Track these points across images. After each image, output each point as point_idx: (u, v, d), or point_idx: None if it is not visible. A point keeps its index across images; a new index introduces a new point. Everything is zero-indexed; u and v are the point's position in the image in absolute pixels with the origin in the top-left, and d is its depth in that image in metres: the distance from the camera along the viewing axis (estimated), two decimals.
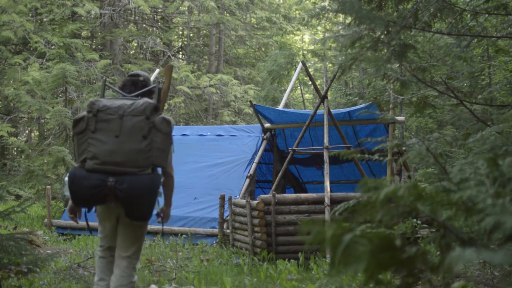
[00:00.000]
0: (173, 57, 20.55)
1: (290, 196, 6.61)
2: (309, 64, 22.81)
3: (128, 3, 17.99)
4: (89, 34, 20.30)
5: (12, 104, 16.81)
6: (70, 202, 3.09)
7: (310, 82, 15.17)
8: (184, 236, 8.02)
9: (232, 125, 13.94)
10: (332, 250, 1.27)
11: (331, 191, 6.61)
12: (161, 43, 21.01)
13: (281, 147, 10.78)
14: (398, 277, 1.60)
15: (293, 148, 8.14)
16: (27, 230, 8.27)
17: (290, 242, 6.30)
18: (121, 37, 18.51)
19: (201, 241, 7.84)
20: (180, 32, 24.20)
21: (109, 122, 2.99)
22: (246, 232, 6.64)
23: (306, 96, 24.65)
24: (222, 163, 9.56)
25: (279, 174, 8.39)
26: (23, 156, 15.08)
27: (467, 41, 5.63)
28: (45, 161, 12.31)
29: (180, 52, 23.73)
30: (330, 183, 7.06)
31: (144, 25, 22.32)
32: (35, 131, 21.51)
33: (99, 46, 20.10)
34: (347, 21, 13.63)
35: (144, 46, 18.61)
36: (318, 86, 9.29)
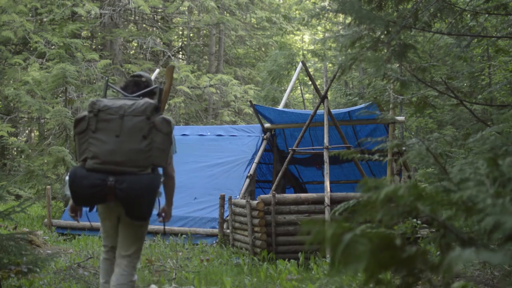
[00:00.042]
0: (173, 57, 20.56)
1: (290, 196, 6.61)
2: (309, 64, 22.81)
3: (128, 3, 17.99)
4: (89, 34, 20.30)
5: (12, 104, 16.81)
6: (71, 201, 3.11)
7: (310, 82, 15.18)
8: (184, 236, 8.02)
9: (232, 125, 13.94)
10: (332, 249, 1.28)
11: (331, 191, 6.61)
12: (161, 43, 21.01)
13: (281, 147, 10.78)
14: (398, 277, 1.60)
15: (293, 148, 8.14)
16: (27, 230, 8.27)
17: (290, 242, 6.30)
18: (121, 37, 18.51)
19: (201, 241, 7.84)
20: (180, 32, 24.20)
21: (109, 122, 3.00)
22: (246, 232, 6.64)
23: (306, 96, 24.65)
24: (222, 163, 9.56)
25: (279, 174, 8.39)
26: (23, 156, 15.08)
27: (467, 41, 5.63)
28: (45, 161, 12.31)
29: (180, 52, 23.73)
30: (330, 183, 7.06)
31: (144, 25, 22.32)
32: (35, 131, 21.51)
33: (99, 46, 20.10)
34: (347, 21, 13.63)
35: (144, 46, 18.61)
36: (318, 86, 9.29)
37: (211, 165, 9.57)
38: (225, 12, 21.72)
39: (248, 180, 8.99)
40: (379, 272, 1.29)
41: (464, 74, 11.56)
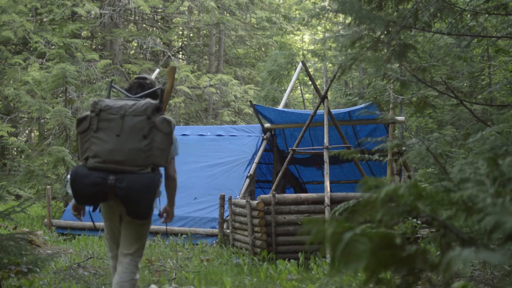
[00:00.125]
0: (173, 57, 20.55)
1: (290, 196, 6.61)
2: (309, 64, 22.81)
3: (128, 3, 17.99)
4: (89, 34, 20.30)
5: (12, 104, 16.81)
6: (73, 200, 3.15)
7: (310, 82, 15.18)
8: (184, 236, 8.02)
9: (232, 125, 13.94)
10: (332, 248, 1.28)
11: (331, 191, 6.61)
12: (161, 43, 21.01)
13: (281, 147, 10.78)
14: (398, 276, 1.60)
15: (293, 148, 8.14)
16: (27, 230, 8.27)
17: (290, 242, 6.30)
18: (121, 37, 18.51)
19: (201, 241, 7.84)
20: (180, 32, 24.20)
21: (110, 121, 3.05)
22: (246, 232, 6.64)
23: (306, 96, 24.65)
24: (222, 163, 9.56)
25: (279, 174, 8.39)
26: (23, 156, 15.07)
27: (467, 41, 5.63)
28: (45, 161, 12.31)
29: (180, 52, 23.73)
30: (330, 183, 7.06)
31: (144, 25, 22.33)
32: (35, 131, 21.51)
33: (99, 46, 20.10)
34: (347, 21, 13.63)
35: (144, 46, 18.61)
36: (318, 86, 9.29)
37: (211, 165, 9.57)
38: (225, 12, 21.72)
39: (248, 180, 8.99)
40: (379, 271, 1.29)
41: (464, 74, 11.56)
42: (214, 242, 7.86)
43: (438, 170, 2.34)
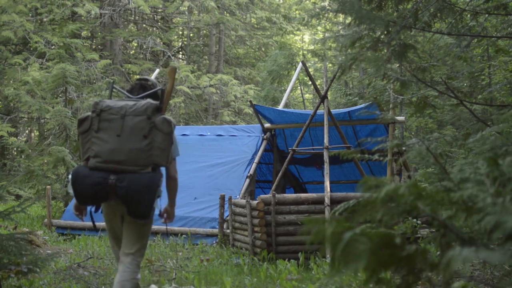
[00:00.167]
0: (173, 57, 20.55)
1: (290, 196, 6.61)
2: (309, 64, 22.81)
3: (128, 3, 17.99)
4: (89, 34, 20.30)
5: (12, 104, 16.81)
6: (75, 201, 3.17)
7: (310, 82, 15.18)
8: (184, 236, 8.02)
9: (232, 125, 13.94)
10: (332, 248, 1.28)
11: (331, 191, 6.61)
12: (161, 43, 21.01)
13: (281, 147, 10.78)
14: (398, 276, 1.60)
15: (293, 148, 8.14)
16: (27, 230, 8.27)
17: (290, 242, 6.30)
18: (121, 37, 18.51)
19: (201, 241, 7.84)
20: (180, 32, 24.20)
21: (111, 121, 3.07)
22: (246, 232, 6.64)
23: (306, 96, 24.65)
24: (222, 163, 9.56)
25: (279, 174, 8.39)
26: (23, 156, 15.07)
27: (467, 41, 5.63)
28: (45, 161, 12.31)
29: (180, 52, 23.73)
30: (330, 183, 7.06)
31: (144, 25, 22.33)
32: (35, 131, 21.51)
33: (99, 46, 20.10)
34: (347, 21, 13.63)
35: (144, 46, 18.61)
36: (318, 86, 9.29)
37: (211, 165, 9.57)
38: (225, 12, 21.72)
39: (248, 180, 8.99)
40: (379, 271, 1.29)
41: (464, 74, 11.56)
42: (214, 242, 7.86)
43: (438, 170, 2.34)
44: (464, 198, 1.38)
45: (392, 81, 4.69)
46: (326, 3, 19.43)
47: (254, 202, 6.43)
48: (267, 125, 10.11)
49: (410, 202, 1.37)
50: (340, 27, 22.49)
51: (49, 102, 13.45)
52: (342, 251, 1.21)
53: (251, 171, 9.11)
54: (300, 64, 10.16)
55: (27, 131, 23.20)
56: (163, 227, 7.59)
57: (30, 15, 16.72)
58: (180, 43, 24.14)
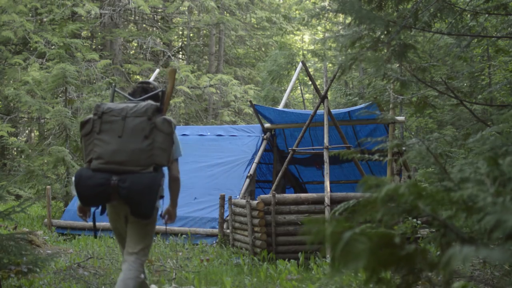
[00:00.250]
0: (173, 57, 20.56)
1: (290, 196, 6.61)
2: (309, 64, 22.81)
3: (128, 3, 17.99)
4: (89, 34, 20.30)
5: (12, 104, 16.80)
6: (78, 202, 3.21)
7: (310, 82, 15.18)
8: (184, 236, 8.02)
9: (232, 125, 13.94)
10: (332, 248, 1.28)
11: (331, 191, 6.61)
12: (161, 43, 21.01)
13: (281, 147, 10.78)
14: (398, 276, 1.60)
15: (293, 148, 8.14)
16: (27, 230, 8.27)
17: (290, 242, 6.30)
18: (121, 37, 18.51)
19: (201, 241, 7.84)
20: (180, 32, 24.20)
21: (112, 123, 3.12)
22: (246, 232, 6.64)
23: (306, 96, 24.65)
24: (222, 163, 9.56)
25: (279, 174, 8.38)
26: (23, 156, 15.07)
27: (467, 41, 5.63)
28: (45, 161, 12.31)
29: (180, 52, 23.73)
30: (330, 183, 7.05)
31: (144, 25, 22.32)
32: (35, 131, 21.51)
33: (99, 46, 20.10)
34: (347, 21, 13.62)
35: (144, 46, 18.61)
36: (318, 86, 9.29)
37: (211, 165, 9.57)
38: (225, 12, 21.72)
39: (248, 180, 8.99)
40: (379, 270, 1.29)
41: (464, 74, 11.56)
42: (214, 242, 7.85)
43: (438, 170, 2.34)
44: (464, 197, 1.38)
45: (392, 81, 4.69)
46: (326, 3, 19.43)
47: (254, 202, 6.43)
48: (267, 125, 10.11)
49: (410, 202, 1.37)
50: (340, 27, 22.49)
51: (49, 102, 13.45)
52: (342, 250, 1.21)
53: (251, 171, 9.11)
54: (300, 64, 10.16)
55: (27, 131, 23.20)
56: (163, 227, 7.60)
57: (30, 15, 16.72)
58: (180, 43, 24.14)
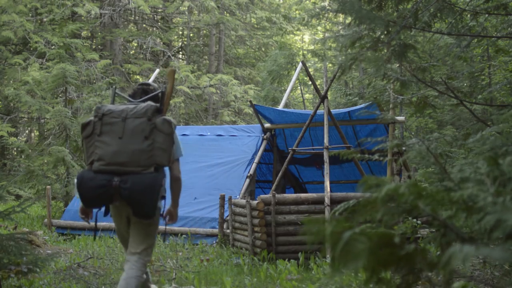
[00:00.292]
0: (173, 57, 20.55)
1: (290, 196, 6.61)
2: (309, 64, 22.81)
3: (128, 3, 17.99)
4: (89, 34, 20.30)
5: (12, 104, 16.80)
6: (81, 204, 3.23)
7: (310, 82, 15.18)
8: (184, 236, 8.02)
9: (232, 125, 13.94)
10: (332, 248, 1.28)
11: (331, 191, 6.61)
12: (161, 43, 21.01)
13: (281, 147, 10.78)
14: (398, 276, 1.60)
15: (293, 148, 8.14)
16: (27, 230, 8.27)
17: (290, 242, 6.30)
18: (121, 37, 18.51)
19: (201, 241, 7.84)
20: (180, 32, 24.19)
21: (113, 125, 3.15)
22: (246, 232, 6.64)
23: (306, 96, 24.65)
24: (222, 163, 9.56)
25: (279, 174, 8.38)
26: (23, 156, 15.07)
27: (467, 41, 5.63)
28: (45, 161, 12.31)
29: (180, 52, 23.73)
30: (330, 183, 7.05)
31: (144, 25, 22.32)
32: (35, 131, 21.51)
33: (99, 46, 20.10)
34: (347, 21, 13.62)
35: (144, 46, 18.61)
36: (318, 86, 9.28)
37: (211, 165, 9.57)
38: (225, 12, 21.72)
39: (248, 180, 8.98)
40: (378, 270, 1.29)
41: (464, 74, 11.56)
42: (214, 242, 7.85)
43: (438, 170, 2.34)
44: (464, 197, 1.38)
45: (392, 81, 4.69)
46: (326, 3, 19.43)
47: (254, 202, 6.43)
48: (267, 125, 10.11)
49: (411, 202, 1.37)
50: (340, 27, 22.49)
51: (49, 102, 13.45)
52: (341, 250, 1.21)
53: (251, 171, 9.11)
54: (300, 64, 10.16)
55: (27, 131, 23.20)
56: (162, 227, 7.60)
57: (30, 15, 16.72)
58: (180, 43, 24.14)
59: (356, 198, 2.63)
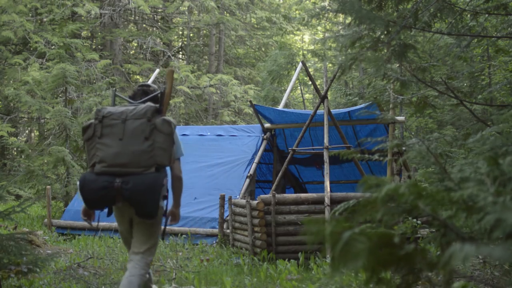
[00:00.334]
0: (173, 57, 20.55)
1: (290, 196, 6.61)
2: (309, 64, 22.81)
3: (128, 3, 17.99)
4: (89, 34, 20.30)
5: (12, 104, 16.81)
6: (83, 205, 3.25)
7: (310, 82, 15.18)
8: (184, 236, 8.02)
9: (232, 125, 13.94)
10: (332, 248, 1.28)
11: (331, 191, 6.61)
12: (161, 43, 21.01)
13: (281, 147, 10.78)
14: (398, 276, 1.60)
15: (293, 148, 8.14)
16: (27, 230, 8.27)
17: (290, 242, 6.30)
18: (121, 37, 18.51)
19: (201, 241, 7.84)
20: (180, 32, 24.19)
21: (113, 126, 3.18)
22: (246, 232, 6.64)
23: (306, 96, 24.65)
24: (222, 163, 9.56)
25: (279, 174, 8.38)
26: (23, 156, 15.07)
27: (467, 41, 5.63)
28: (45, 161, 12.31)
29: (180, 52, 23.72)
30: (330, 183, 7.05)
31: (144, 25, 22.32)
32: (35, 131, 21.51)
33: (99, 46, 20.10)
34: (347, 21, 13.62)
35: (144, 46, 18.61)
36: (318, 86, 9.28)
37: (211, 165, 9.57)
38: (225, 12, 21.72)
39: (248, 180, 8.98)
40: (378, 270, 1.29)
41: (464, 74, 11.56)
42: (214, 242, 7.85)
43: (438, 170, 2.34)
44: (464, 197, 1.38)
45: (392, 81, 4.69)
46: (326, 3, 19.43)
47: (254, 202, 6.43)
48: (267, 125, 10.11)
49: (411, 202, 1.37)
50: (340, 27, 22.49)
51: (49, 102, 13.45)
52: (341, 250, 1.21)
53: (251, 171, 9.11)
54: (300, 64, 10.16)
55: (27, 131, 23.20)
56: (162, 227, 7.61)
57: (30, 15, 16.72)
58: (180, 43, 24.14)
59: (356, 198, 2.63)
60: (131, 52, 21.67)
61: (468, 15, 5.55)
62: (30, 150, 14.31)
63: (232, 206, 7.21)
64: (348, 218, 1.48)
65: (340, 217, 1.58)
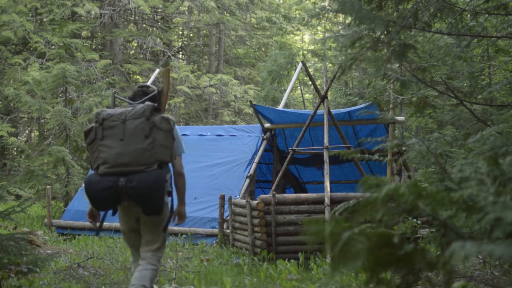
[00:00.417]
0: (173, 57, 20.54)
1: (290, 196, 6.61)
2: (309, 64, 22.80)
3: (128, 3, 17.99)
4: (89, 34, 20.30)
5: (12, 104, 16.81)
6: (89, 206, 3.31)
7: (310, 82, 15.18)
8: (184, 236, 8.02)
9: (232, 125, 13.94)
10: (332, 248, 1.27)
11: (331, 191, 6.60)
12: (161, 43, 21.01)
13: (281, 147, 10.78)
14: (398, 276, 1.60)
15: (293, 148, 8.14)
16: (27, 230, 8.27)
17: (290, 242, 6.30)
18: (121, 37, 18.50)
19: (201, 241, 7.84)
20: (180, 32, 24.19)
21: (113, 128, 3.23)
22: (246, 232, 6.64)
23: (306, 96, 24.65)
24: (222, 163, 9.56)
25: (279, 174, 8.38)
26: (23, 156, 15.07)
27: (467, 41, 5.63)
28: (45, 161, 12.31)
29: (180, 52, 23.72)
30: (330, 183, 7.05)
31: (144, 25, 22.32)
32: (35, 131, 21.51)
33: (99, 46, 20.09)
34: (347, 21, 13.61)
35: (144, 46, 18.61)
36: (318, 86, 9.28)
37: (211, 165, 9.57)
38: (225, 12, 21.72)
39: (248, 180, 8.98)
40: (378, 270, 1.29)
41: (464, 74, 11.56)
42: (214, 242, 7.85)
43: (438, 170, 2.34)
44: (464, 197, 1.38)
45: (392, 81, 4.69)
46: (326, 3, 19.43)
47: (254, 202, 6.43)
48: (267, 125, 10.11)
49: (410, 202, 1.37)
50: (340, 27, 22.49)
51: (49, 102, 13.45)
52: (341, 250, 1.21)
53: (251, 171, 9.10)
54: (300, 64, 10.16)
55: (27, 131, 23.19)
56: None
57: (30, 15, 16.72)
58: (180, 43, 24.14)
59: (356, 198, 2.63)
60: (131, 52, 21.67)
61: (468, 15, 5.55)
62: (30, 150, 14.30)
63: (232, 206, 7.21)
64: (348, 218, 1.48)
65: (340, 217, 1.58)
